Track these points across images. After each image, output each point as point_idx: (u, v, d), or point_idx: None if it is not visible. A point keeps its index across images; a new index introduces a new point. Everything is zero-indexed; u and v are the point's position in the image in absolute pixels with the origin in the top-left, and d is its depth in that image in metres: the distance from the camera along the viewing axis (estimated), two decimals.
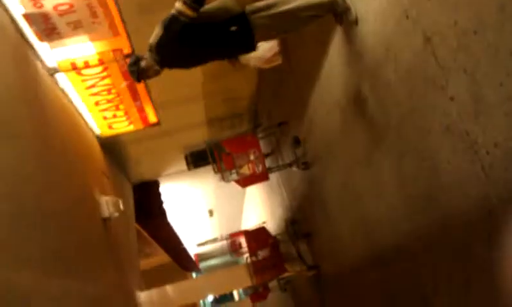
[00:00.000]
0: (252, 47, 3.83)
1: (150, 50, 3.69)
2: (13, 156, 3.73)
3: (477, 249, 2.82)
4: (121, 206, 7.17)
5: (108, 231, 6.71)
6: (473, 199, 2.74)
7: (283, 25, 3.81)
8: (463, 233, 2.95)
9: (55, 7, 4.69)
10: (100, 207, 6.50)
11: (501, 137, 2.36)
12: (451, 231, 3.10)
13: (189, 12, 3.45)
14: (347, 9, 3.85)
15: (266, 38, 3.93)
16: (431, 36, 2.78)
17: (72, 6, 4.74)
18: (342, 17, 3.97)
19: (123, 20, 5.13)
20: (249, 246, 9.63)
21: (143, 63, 3.71)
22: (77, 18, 4.91)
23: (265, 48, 3.95)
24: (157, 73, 3.81)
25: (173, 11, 3.52)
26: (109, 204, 6.61)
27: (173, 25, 3.55)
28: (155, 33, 3.64)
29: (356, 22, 3.81)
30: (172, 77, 6.38)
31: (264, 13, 3.70)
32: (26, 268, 3.45)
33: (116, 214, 6.85)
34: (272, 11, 3.71)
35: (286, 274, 9.25)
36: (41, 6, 4.61)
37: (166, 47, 3.65)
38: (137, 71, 3.73)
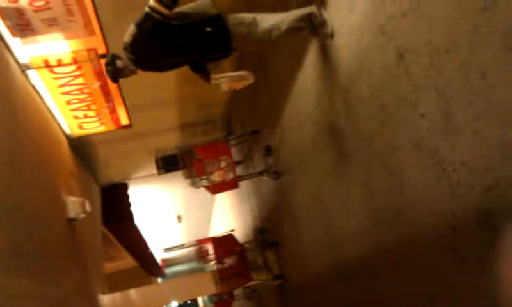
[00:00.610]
0: (228, 52, 3.83)
1: (125, 49, 3.67)
2: None
3: (441, 265, 2.86)
4: (88, 208, 7.07)
5: (73, 232, 6.60)
6: (438, 215, 2.78)
7: (261, 38, 3.83)
8: (428, 249, 2.99)
9: (30, 3, 4.61)
10: (67, 207, 6.39)
11: (468, 155, 2.42)
12: (416, 247, 3.14)
13: (162, 9, 3.43)
14: (323, 22, 3.90)
15: (243, 46, 3.94)
16: (404, 52, 2.83)
17: (47, 2, 4.67)
18: (318, 30, 4.02)
19: (99, 20, 5.08)
20: (216, 253, 9.57)
21: (119, 63, 3.69)
22: (53, 15, 4.84)
23: (238, 72, 3.98)
24: (133, 72, 3.79)
25: (146, 9, 3.49)
26: (75, 205, 6.51)
27: (146, 23, 3.52)
28: (129, 31, 3.61)
29: (331, 35, 3.86)
30: (146, 80, 6.34)
31: (242, 25, 3.72)
32: None
33: (82, 215, 6.74)
34: (251, 25, 3.74)
35: (252, 283, 9.23)
36: (16, 1, 4.53)
37: (140, 45, 3.62)
38: (112, 71, 3.70)
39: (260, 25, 3.76)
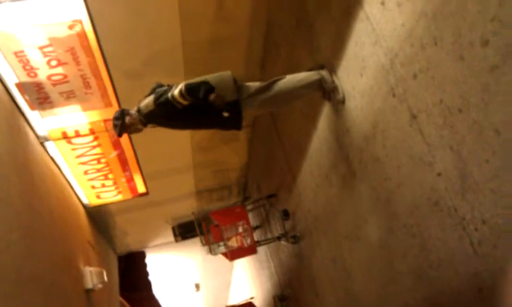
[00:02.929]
0: (239, 127, 3.92)
1: (139, 112, 3.78)
2: None
3: None
4: (106, 278, 7.00)
5: (90, 302, 6.51)
6: (463, 276, 2.70)
7: (274, 104, 3.94)
8: None
9: (48, 77, 4.75)
10: (84, 278, 6.34)
11: (488, 213, 2.37)
12: None
13: (184, 102, 3.62)
14: (334, 88, 3.96)
15: (257, 114, 4.04)
16: (417, 113, 2.84)
17: (65, 76, 4.81)
18: (330, 95, 4.07)
19: (115, 91, 5.20)
20: None
21: (127, 119, 3.79)
22: (70, 88, 4.96)
23: None
24: (139, 131, 3.90)
25: (169, 96, 3.63)
26: (93, 275, 6.45)
27: (166, 107, 3.67)
28: (147, 103, 3.74)
29: (343, 101, 3.90)
30: (162, 149, 6.45)
31: (255, 98, 3.83)
32: None
33: (100, 286, 6.67)
34: (264, 95, 3.84)
35: None
36: (35, 76, 4.67)
37: (155, 118, 3.76)
38: (120, 126, 3.78)
39: (272, 93, 3.85)
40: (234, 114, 3.78)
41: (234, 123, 3.85)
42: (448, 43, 2.43)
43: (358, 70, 3.55)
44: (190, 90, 3.57)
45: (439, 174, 2.73)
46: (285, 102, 4.01)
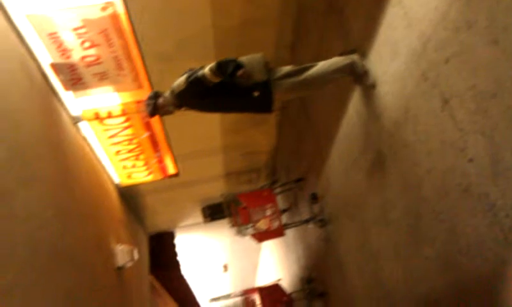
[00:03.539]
0: (269, 109, 3.93)
1: (171, 93, 3.85)
2: (33, 199, 3.77)
3: None
4: (136, 256, 7.14)
5: (121, 280, 6.66)
6: (492, 263, 2.68)
7: (305, 88, 3.94)
8: (482, 297, 2.87)
9: (82, 58, 4.84)
10: (115, 255, 6.48)
11: None
12: (469, 296, 3.02)
13: (215, 80, 3.66)
14: (365, 73, 3.93)
15: (288, 98, 4.04)
16: (449, 98, 2.81)
17: (98, 57, 4.89)
18: (361, 79, 4.05)
19: (147, 73, 5.26)
20: (263, 303, 9.44)
21: (160, 100, 3.86)
22: (103, 69, 5.05)
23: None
24: (170, 113, 3.98)
25: (199, 74, 3.68)
26: (123, 253, 6.59)
27: (197, 84, 3.71)
28: (179, 83, 3.80)
29: (374, 86, 3.87)
30: (192, 131, 6.51)
31: (286, 81, 3.83)
32: None
33: (130, 264, 6.81)
34: (295, 79, 3.84)
35: None
36: (69, 57, 4.76)
37: (187, 98, 3.81)
38: (152, 106, 3.86)
39: (303, 78, 3.85)
40: (264, 94, 3.79)
41: (265, 104, 3.86)
42: (482, 27, 2.39)
43: (389, 54, 3.52)
44: (219, 66, 3.63)
45: (470, 160, 2.70)
46: (316, 86, 4.00)
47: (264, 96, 3.80)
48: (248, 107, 3.95)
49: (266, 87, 3.80)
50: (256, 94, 3.77)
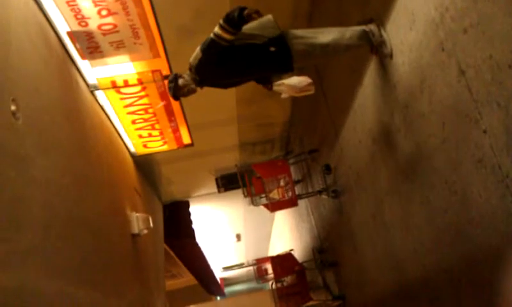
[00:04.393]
0: (290, 68, 3.92)
1: (190, 70, 3.86)
2: (50, 165, 3.85)
3: (504, 285, 2.77)
4: (151, 224, 7.26)
5: (136, 247, 6.79)
6: (502, 234, 2.71)
7: (320, 53, 3.90)
8: (491, 268, 2.91)
9: (99, 27, 4.86)
10: (130, 223, 6.60)
11: None
12: (478, 266, 3.06)
13: (227, 36, 3.63)
14: (382, 42, 3.91)
15: (304, 63, 4.01)
16: (465, 68, 2.80)
17: (115, 26, 4.91)
18: (377, 49, 4.03)
19: (163, 43, 5.28)
20: (275, 272, 9.57)
21: (180, 81, 3.87)
22: (120, 38, 5.07)
23: (298, 78, 4.03)
24: (193, 91, 3.97)
25: (211, 35, 3.68)
26: (139, 221, 6.70)
27: (211, 48, 3.71)
28: (195, 55, 3.81)
29: (390, 55, 3.85)
30: (207, 100, 6.53)
31: (302, 41, 3.81)
32: (54, 276, 3.52)
33: (146, 231, 6.93)
34: (311, 40, 3.82)
35: (311, 303, 9.13)
36: (86, 25, 4.79)
37: (205, 68, 3.81)
38: (173, 88, 3.87)
39: (319, 41, 3.84)
40: (281, 49, 3.77)
41: (285, 61, 3.84)
42: None
43: (407, 24, 3.49)
44: (226, 17, 3.58)
45: (484, 131, 2.71)
46: (331, 52, 3.95)
47: (282, 51, 3.78)
48: (268, 66, 3.91)
49: (282, 41, 3.78)
50: (272, 49, 3.76)
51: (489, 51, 2.53)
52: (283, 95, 4.12)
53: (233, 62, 3.81)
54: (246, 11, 3.57)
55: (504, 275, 2.77)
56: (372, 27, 3.96)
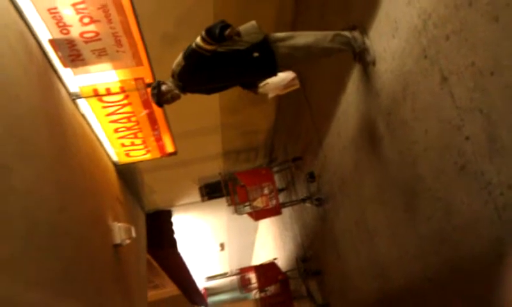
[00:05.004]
0: (275, 71, 3.93)
1: (173, 76, 3.85)
2: (30, 175, 3.78)
3: (489, 293, 2.78)
4: (133, 234, 7.18)
5: (118, 257, 6.71)
6: (485, 240, 2.72)
7: (303, 55, 3.91)
8: (475, 274, 2.92)
9: (81, 34, 4.81)
10: (112, 233, 6.51)
11: None
12: (462, 273, 3.08)
13: (208, 47, 3.65)
14: (365, 50, 3.93)
15: (288, 65, 4.01)
16: (448, 75, 2.82)
17: (97, 33, 4.86)
18: (360, 56, 4.05)
19: (146, 50, 5.25)
20: (258, 281, 9.54)
21: (163, 87, 3.86)
22: (102, 46, 5.02)
23: (282, 74, 4.04)
24: (177, 97, 3.96)
25: (193, 45, 3.68)
26: (121, 231, 6.62)
27: (193, 57, 3.70)
28: (177, 61, 3.80)
29: (373, 63, 3.87)
30: (191, 108, 6.50)
31: (284, 43, 3.82)
32: (34, 288, 3.45)
33: (128, 241, 6.85)
34: (293, 42, 3.83)
35: None
36: (68, 33, 4.74)
37: (188, 75, 3.80)
38: (157, 94, 3.85)
39: (301, 43, 3.85)
40: (265, 53, 3.78)
41: (269, 64, 3.85)
42: (483, 4, 2.39)
43: (390, 31, 3.52)
44: (208, 30, 3.62)
45: (467, 138, 2.72)
46: (314, 54, 3.95)
47: (266, 56, 3.79)
48: (252, 72, 3.91)
49: (265, 46, 3.79)
50: (256, 54, 3.76)
51: (471, 58, 2.55)
52: (270, 95, 4.12)
53: (217, 68, 3.81)
54: (227, 32, 3.61)
55: (486, 283, 2.79)
56: (355, 33, 3.98)
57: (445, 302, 3.40)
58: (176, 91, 3.91)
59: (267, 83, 4.06)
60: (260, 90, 4.14)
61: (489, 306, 2.81)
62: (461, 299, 3.16)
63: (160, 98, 3.90)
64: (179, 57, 3.83)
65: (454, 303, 3.27)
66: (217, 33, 3.59)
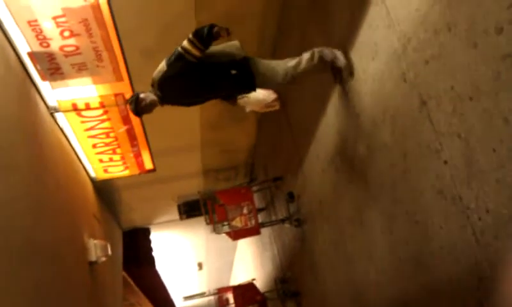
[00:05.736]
0: (253, 88, 3.93)
1: (152, 85, 3.81)
2: (5, 188, 3.70)
3: None
4: (110, 251, 7.07)
5: (94, 275, 6.58)
6: (463, 265, 2.71)
7: (282, 77, 3.91)
8: (452, 299, 2.90)
9: (61, 48, 4.76)
10: (88, 250, 6.40)
11: (492, 203, 2.37)
12: (440, 298, 3.06)
13: (195, 51, 3.62)
14: (335, 58, 3.97)
15: (266, 85, 4.00)
16: (427, 99, 2.83)
17: (78, 47, 4.82)
18: (341, 76, 4.06)
19: (126, 66, 5.21)
20: (236, 302, 9.45)
21: (141, 95, 3.80)
22: (82, 60, 4.97)
23: (264, 93, 4.03)
24: (154, 103, 3.88)
25: (179, 49, 3.65)
26: (97, 248, 6.51)
27: (177, 62, 3.67)
28: (159, 69, 3.77)
29: (351, 73, 3.88)
30: (170, 125, 6.47)
31: (264, 63, 3.84)
32: (6, 304, 3.36)
33: (104, 259, 6.74)
34: (273, 63, 3.86)
35: None
36: (48, 46, 4.68)
37: (168, 83, 3.76)
38: (135, 102, 3.80)
39: (282, 67, 3.86)
40: (243, 71, 3.80)
41: (247, 80, 3.85)
42: (462, 29, 2.41)
43: (370, 53, 3.54)
44: (196, 32, 3.59)
45: (445, 162, 2.73)
46: (290, 78, 3.96)
47: (243, 73, 3.81)
48: (230, 86, 3.92)
49: (243, 64, 3.81)
50: (234, 72, 3.77)
51: (450, 82, 2.57)
52: (248, 109, 4.10)
53: (196, 78, 3.78)
54: (215, 28, 3.59)
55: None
56: (335, 51, 4.00)
57: None
58: (154, 98, 3.86)
59: (248, 97, 4.05)
60: (239, 102, 4.13)
61: None
62: None
63: (138, 105, 3.84)
64: (161, 64, 3.78)
65: None
66: (205, 32, 3.56)
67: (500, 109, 2.21)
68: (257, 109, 4.04)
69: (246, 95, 4.09)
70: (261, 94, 4.02)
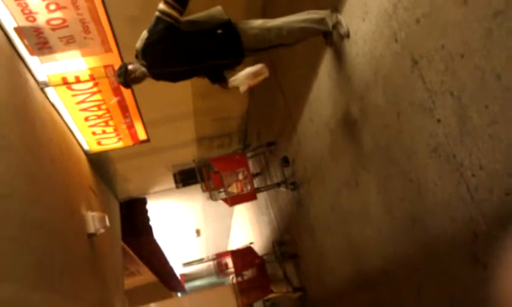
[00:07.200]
0: (241, 55, 3.84)
1: (137, 56, 3.71)
2: (0, 167, 3.70)
3: (461, 271, 2.83)
4: (108, 223, 7.11)
5: (93, 247, 6.64)
6: (458, 221, 2.76)
7: (272, 36, 3.83)
8: (448, 255, 2.96)
9: (47, 22, 4.70)
10: (86, 223, 6.44)
11: (486, 159, 2.40)
12: (436, 254, 3.12)
13: (172, 12, 3.48)
14: (338, 23, 3.89)
15: (254, 48, 3.93)
16: (418, 59, 2.83)
17: (64, 20, 4.76)
18: (332, 38, 4.03)
19: (115, 37, 5.15)
20: (235, 266, 9.56)
21: (130, 66, 3.71)
22: (70, 33, 4.92)
23: (250, 68, 3.99)
24: (144, 75, 3.77)
25: (156, 13, 3.54)
26: (95, 220, 6.55)
27: (157, 27, 3.56)
28: (141, 37, 3.64)
29: (347, 35, 3.82)
30: (162, 96, 6.43)
31: (255, 24, 3.77)
32: (8, 281, 3.40)
33: (102, 230, 6.78)
34: (264, 24, 3.79)
35: (272, 295, 9.19)
36: (34, 20, 4.62)
37: (151, 50, 3.64)
38: (124, 73, 3.71)
39: (270, 24, 3.79)
40: (229, 33, 3.70)
41: (234, 46, 3.75)
42: None
43: (360, 14, 3.51)
44: None
45: (438, 121, 2.75)
46: (286, 36, 3.89)
47: (230, 36, 3.70)
48: (217, 52, 3.78)
49: (229, 26, 3.71)
50: (219, 31, 3.68)
51: (441, 41, 2.56)
52: (241, 89, 4.06)
53: (180, 44, 3.68)
54: None
55: (459, 263, 2.83)
56: (327, 12, 3.95)
57: (419, 284, 3.45)
58: (143, 69, 3.78)
59: (236, 78, 4.01)
60: (231, 84, 4.08)
61: (461, 288, 2.87)
62: (433, 280, 3.22)
63: (127, 76, 3.76)
64: (143, 33, 3.67)
65: (428, 284, 3.32)
66: None
67: (492, 66, 2.22)
68: (249, 83, 3.97)
69: (235, 77, 4.03)
70: (248, 69, 3.96)
